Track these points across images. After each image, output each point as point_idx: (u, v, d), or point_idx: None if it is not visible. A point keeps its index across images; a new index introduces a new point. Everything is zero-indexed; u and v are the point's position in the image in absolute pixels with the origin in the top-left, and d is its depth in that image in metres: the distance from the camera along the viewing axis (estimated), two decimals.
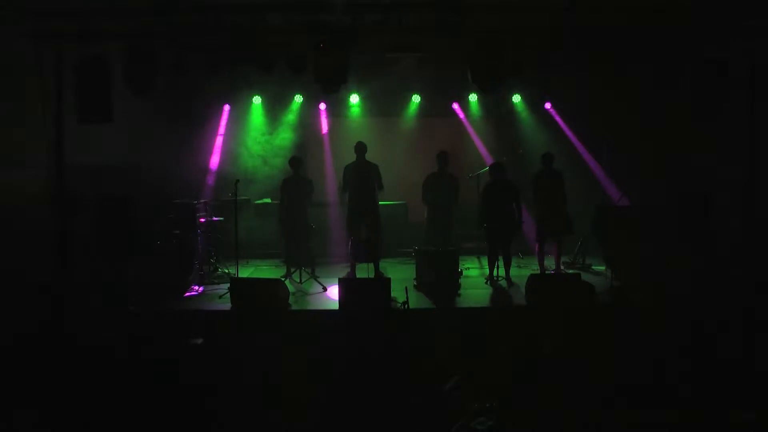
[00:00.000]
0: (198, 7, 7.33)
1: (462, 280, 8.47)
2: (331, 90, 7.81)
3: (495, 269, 8.69)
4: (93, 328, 6.80)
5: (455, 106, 11.41)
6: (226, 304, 7.61)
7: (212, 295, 8.15)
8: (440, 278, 8.14)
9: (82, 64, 7.40)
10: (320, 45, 7.41)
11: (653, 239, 8.47)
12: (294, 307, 7.66)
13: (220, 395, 6.22)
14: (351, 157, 9.13)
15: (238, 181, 8.53)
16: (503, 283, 8.62)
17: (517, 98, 11.15)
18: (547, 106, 11.17)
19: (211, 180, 10.92)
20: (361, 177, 8.98)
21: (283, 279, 8.21)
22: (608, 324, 6.96)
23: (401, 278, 8.43)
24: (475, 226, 8.97)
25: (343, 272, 9.18)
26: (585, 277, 8.28)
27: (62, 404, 5.97)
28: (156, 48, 7.54)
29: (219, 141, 11.10)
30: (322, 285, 8.47)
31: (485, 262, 9.05)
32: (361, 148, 9.02)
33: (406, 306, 7.15)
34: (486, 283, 8.65)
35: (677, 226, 8.40)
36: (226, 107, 11.15)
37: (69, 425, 5.72)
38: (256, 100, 11.07)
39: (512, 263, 8.99)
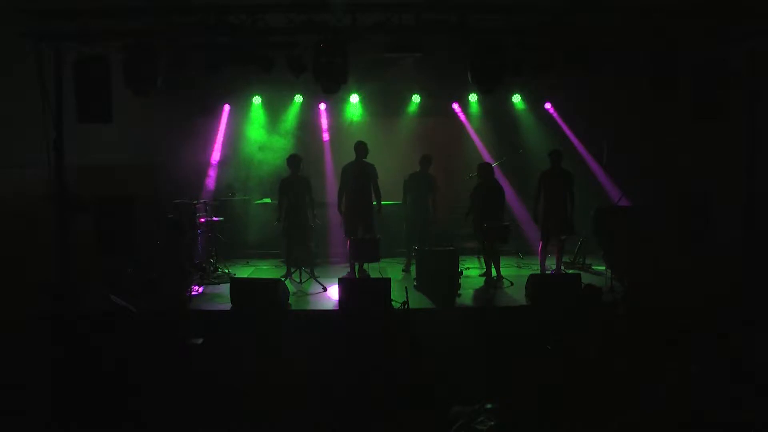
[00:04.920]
0: (198, 7, 7.33)
1: (462, 280, 8.47)
2: (331, 90, 7.80)
3: (491, 268, 8.73)
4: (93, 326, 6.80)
5: (455, 106, 11.42)
6: (226, 304, 7.61)
7: (212, 295, 8.15)
8: (440, 278, 8.14)
9: (82, 64, 7.39)
10: (320, 45, 7.41)
11: (653, 240, 8.47)
12: (294, 307, 7.66)
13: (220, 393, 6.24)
14: (350, 157, 9.14)
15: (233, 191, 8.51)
16: (497, 282, 8.62)
17: (517, 98, 11.15)
18: (547, 106, 11.18)
19: (211, 180, 10.93)
20: (359, 177, 8.99)
21: (283, 279, 8.21)
22: (610, 324, 6.96)
23: (401, 278, 8.42)
24: (470, 226, 9.06)
25: (343, 272, 9.19)
26: (585, 277, 8.29)
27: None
28: (156, 48, 7.53)
29: (219, 141, 11.10)
30: (322, 285, 8.47)
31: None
32: (361, 147, 9.03)
33: (406, 306, 7.15)
34: (485, 282, 8.67)
35: (677, 226, 8.40)
36: (226, 107, 11.16)
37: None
38: (256, 100, 11.07)
39: (514, 263, 8.96)
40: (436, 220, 9.54)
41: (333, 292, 7.89)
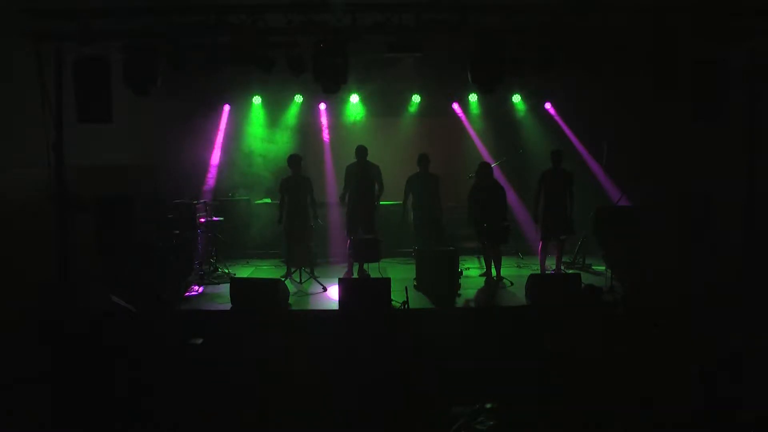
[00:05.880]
0: (198, 7, 7.33)
1: (462, 280, 8.47)
2: (331, 90, 7.80)
3: (491, 268, 8.76)
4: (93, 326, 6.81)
5: (455, 106, 11.42)
6: (226, 304, 7.61)
7: (212, 295, 8.15)
8: (440, 278, 8.13)
9: (82, 64, 7.39)
10: (320, 45, 7.41)
11: (653, 240, 8.47)
12: (294, 307, 7.66)
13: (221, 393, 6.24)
14: (351, 157, 9.15)
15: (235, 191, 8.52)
16: (496, 282, 8.63)
17: (517, 98, 11.15)
18: (547, 106, 11.18)
19: (211, 180, 10.93)
20: (362, 177, 9.00)
21: (283, 279, 8.21)
22: (610, 324, 6.96)
23: (401, 278, 8.43)
24: (469, 226, 9.05)
25: (343, 272, 9.18)
26: (585, 277, 8.29)
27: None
28: (156, 48, 7.53)
29: (219, 141, 11.11)
30: (322, 285, 8.47)
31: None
32: (361, 151, 9.05)
33: (406, 306, 7.15)
34: (485, 282, 8.67)
35: (677, 226, 8.40)
36: (226, 107, 11.16)
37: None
38: (256, 100, 11.08)
39: (514, 263, 8.91)
40: (442, 217, 9.43)
41: (333, 292, 7.89)
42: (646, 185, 9.34)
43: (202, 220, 9.14)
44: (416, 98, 11.15)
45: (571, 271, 9.01)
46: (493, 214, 8.63)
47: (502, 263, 8.90)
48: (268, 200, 10.78)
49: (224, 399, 6.17)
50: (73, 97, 7.43)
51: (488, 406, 5.42)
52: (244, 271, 9.55)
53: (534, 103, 11.18)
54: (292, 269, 8.92)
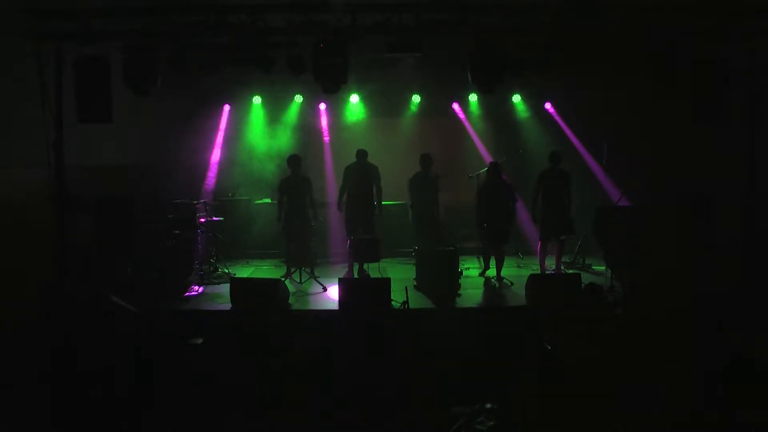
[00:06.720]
0: (198, 7, 7.33)
1: (462, 280, 8.47)
2: (331, 90, 7.81)
3: (490, 264, 8.81)
4: (93, 330, 6.80)
5: (455, 106, 11.42)
6: (226, 304, 7.61)
7: (212, 295, 8.15)
8: (440, 278, 8.13)
9: (82, 64, 7.39)
10: (320, 45, 7.41)
11: (653, 240, 8.47)
12: (294, 307, 7.66)
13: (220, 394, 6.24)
14: (351, 157, 9.16)
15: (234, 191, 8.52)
16: (496, 282, 8.64)
17: (517, 98, 11.15)
18: (547, 106, 11.18)
19: (211, 180, 10.93)
20: (361, 177, 9.01)
21: (283, 279, 8.21)
22: (610, 324, 6.95)
23: (401, 278, 8.43)
24: (475, 226, 9.04)
25: (343, 272, 9.19)
26: (585, 277, 8.29)
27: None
28: (156, 48, 7.53)
29: (219, 141, 11.11)
30: (322, 285, 8.47)
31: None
32: (362, 154, 9.07)
33: (406, 306, 7.15)
34: (485, 282, 8.66)
35: (677, 226, 8.40)
36: (226, 107, 11.16)
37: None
38: (256, 100, 11.08)
39: (514, 263, 8.90)
40: (439, 218, 9.44)
41: (333, 292, 7.89)
42: (646, 185, 9.34)
43: (202, 220, 9.14)
44: (416, 98, 11.15)
45: (571, 271, 9.02)
46: (496, 214, 8.64)
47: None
48: (268, 200, 10.79)
49: (224, 399, 6.17)
50: (73, 97, 7.43)
51: (488, 406, 5.43)
52: (244, 271, 9.55)
53: (534, 103, 11.19)
54: (292, 269, 8.92)
